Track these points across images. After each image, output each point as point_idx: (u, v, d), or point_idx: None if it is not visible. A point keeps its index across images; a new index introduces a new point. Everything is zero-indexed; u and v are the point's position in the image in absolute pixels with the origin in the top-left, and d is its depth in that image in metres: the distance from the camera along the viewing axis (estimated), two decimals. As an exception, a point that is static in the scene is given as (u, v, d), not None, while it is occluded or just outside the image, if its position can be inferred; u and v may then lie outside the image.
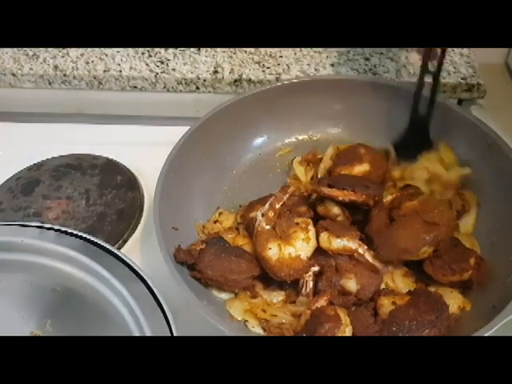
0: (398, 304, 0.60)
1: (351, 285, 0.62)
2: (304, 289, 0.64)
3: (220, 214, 0.75)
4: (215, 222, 0.74)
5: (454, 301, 0.61)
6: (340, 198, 0.67)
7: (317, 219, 0.68)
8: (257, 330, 0.62)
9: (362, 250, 0.64)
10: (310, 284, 0.64)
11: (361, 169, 0.75)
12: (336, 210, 0.68)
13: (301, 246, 0.64)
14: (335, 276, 0.63)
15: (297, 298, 0.64)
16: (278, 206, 0.67)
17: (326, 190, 0.68)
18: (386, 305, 0.60)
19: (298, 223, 0.66)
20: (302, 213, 0.69)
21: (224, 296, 0.66)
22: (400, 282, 0.65)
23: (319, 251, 0.65)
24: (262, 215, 0.67)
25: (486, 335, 0.53)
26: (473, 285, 0.63)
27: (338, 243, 0.64)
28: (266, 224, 0.66)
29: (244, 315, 0.63)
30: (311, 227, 0.66)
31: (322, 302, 0.61)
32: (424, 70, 0.69)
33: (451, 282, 0.63)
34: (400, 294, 0.63)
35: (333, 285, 0.63)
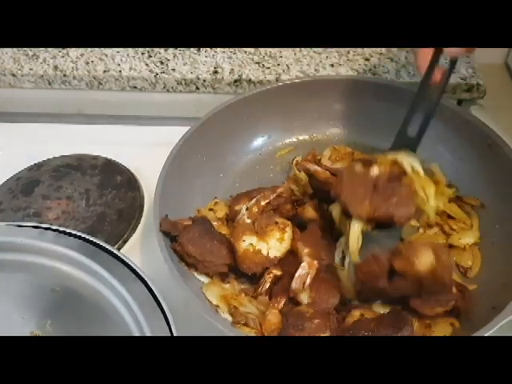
0: (364, 316, 0.60)
1: (303, 297, 0.62)
2: (261, 288, 0.65)
3: (216, 203, 0.76)
4: (210, 210, 0.76)
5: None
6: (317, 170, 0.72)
7: (298, 223, 0.69)
8: (226, 316, 0.63)
9: (301, 270, 0.63)
10: (267, 285, 0.65)
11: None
12: (312, 214, 0.69)
13: (274, 245, 0.65)
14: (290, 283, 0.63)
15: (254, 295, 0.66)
16: (263, 203, 0.69)
17: (308, 165, 0.73)
18: (354, 315, 0.61)
19: (277, 222, 0.67)
20: (284, 211, 0.71)
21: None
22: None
23: (291, 257, 0.66)
24: (247, 209, 0.69)
25: (485, 335, 0.53)
26: (460, 313, 0.61)
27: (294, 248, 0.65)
28: (248, 218, 0.68)
29: (218, 300, 0.64)
30: (289, 229, 0.67)
31: (281, 304, 0.62)
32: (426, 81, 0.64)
33: (437, 314, 0.61)
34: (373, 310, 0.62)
35: (286, 291, 0.63)
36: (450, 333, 0.60)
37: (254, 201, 0.70)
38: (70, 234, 0.58)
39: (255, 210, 0.68)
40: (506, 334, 0.54)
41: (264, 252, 0.64)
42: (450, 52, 0.59)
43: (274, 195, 0.70)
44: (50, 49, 0.98)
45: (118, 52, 0.97)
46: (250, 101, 0.82)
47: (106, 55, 0.96)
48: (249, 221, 0.67)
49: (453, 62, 0.63)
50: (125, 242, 0.76)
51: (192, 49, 0.98)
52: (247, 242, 0.65)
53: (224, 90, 0.92)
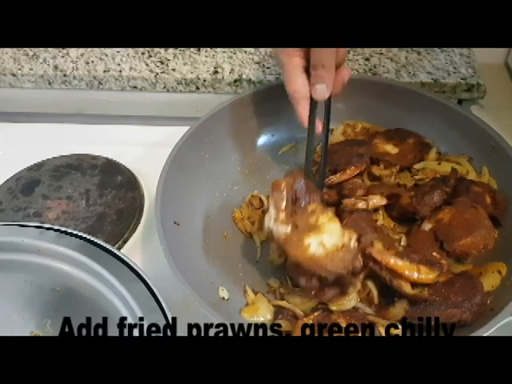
0: (437, 280, 0.61)
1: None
2: None
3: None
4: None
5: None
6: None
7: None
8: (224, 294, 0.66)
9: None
10: None
11: (390, 149, 0.78)
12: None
13: (332, 228, 0.60)
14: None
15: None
16: (283, 206, 0.62)
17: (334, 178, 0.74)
18: None
19: (313, 211, 0.62)
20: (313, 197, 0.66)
21: (225, 294, 0.67)
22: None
23: None
24: (275, 220, 0.62)
25: (483, 336, 0.53)
26: (499, 220, 0.67)
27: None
28: (285, 226, 0.61)
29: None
30: (325, 208, 0.63)
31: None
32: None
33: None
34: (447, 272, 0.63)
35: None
36: (498, 282, 0.62)
37: (272, 211, 0.62)
38: (70, 234, 0.58)
39: (283, 216, 0.62)
40: (505, 335, 0.54)
41: (351, 245, 0.60)
42: (316, 98, 0.64)
43: (284, 192, 0.63)
44: (50, 49, 0.98)
45: (118, 52, 0.97)
46: (251, 100, 0.82)
47: (106, 55, 0.96)
48: (289, 229, 0.60)
49: (327, 107, 0.68)
50: (125, 241, 0.76)
51: (192, 49, 0.98)
52: (314, 244, 0.59)
53: (224, 90, 0.92)
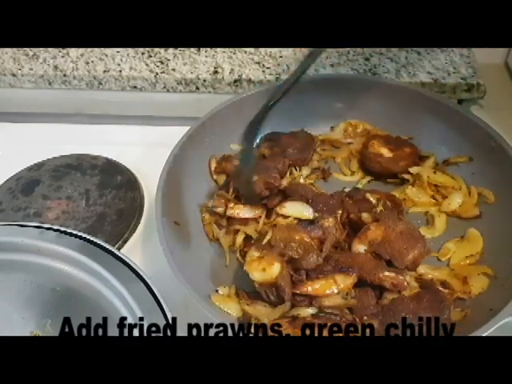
0: (402, 294, 0.61)
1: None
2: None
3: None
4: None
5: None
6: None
7: None
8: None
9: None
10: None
11: (384, 152, 0.79)
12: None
13: None
14: None
15: None
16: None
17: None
18: (392, 292, 0.61)
19: None
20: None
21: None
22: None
23: None
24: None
25: (482, 335, 0.53)
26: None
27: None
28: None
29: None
30: None
31: None
32: None
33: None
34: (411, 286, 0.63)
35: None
36: (487, 284, 0.63)
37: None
38: (70, 234, 0.58)
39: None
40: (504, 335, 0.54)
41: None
42: None
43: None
44: (50, 49, 0.98)
45: (118, 52, 0.97)
46: (250, 100, 0.82)
47: (106, 55, 0.96)
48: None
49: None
50: (125, 242, 0.76)
51: (192, 49, 0.98)
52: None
53: (224, 90, 0.92)
